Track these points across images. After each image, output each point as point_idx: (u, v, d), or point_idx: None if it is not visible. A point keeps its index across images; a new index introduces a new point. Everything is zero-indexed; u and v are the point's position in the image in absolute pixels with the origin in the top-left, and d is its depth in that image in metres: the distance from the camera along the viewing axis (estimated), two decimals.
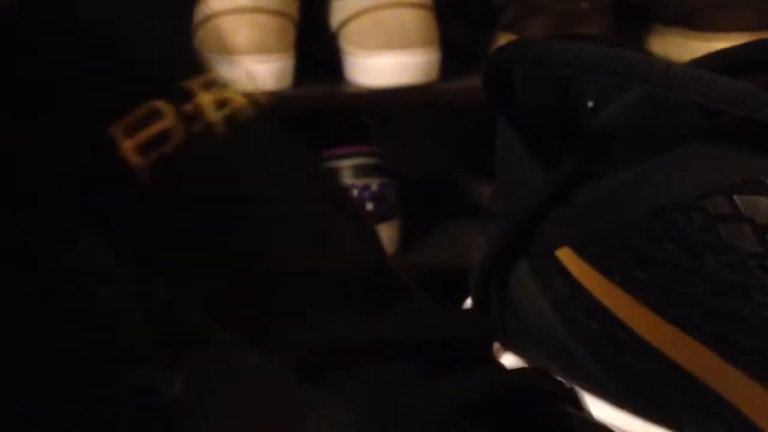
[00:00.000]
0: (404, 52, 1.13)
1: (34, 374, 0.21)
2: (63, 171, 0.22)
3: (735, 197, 0.31)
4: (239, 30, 1.12)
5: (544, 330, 0.39)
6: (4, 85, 0.21)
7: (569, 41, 0.36)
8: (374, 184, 1.21)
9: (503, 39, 1.07)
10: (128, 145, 0.22)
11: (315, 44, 1.18)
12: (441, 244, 1.23)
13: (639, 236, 0.34)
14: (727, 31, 1.01)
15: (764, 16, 1.03)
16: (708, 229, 0.32)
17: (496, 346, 0.41)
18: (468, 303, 0.42)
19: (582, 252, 0.36)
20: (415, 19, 1.13)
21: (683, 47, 1.02)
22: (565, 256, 0.37)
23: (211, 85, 0.24)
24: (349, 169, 1.21)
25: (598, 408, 0.37)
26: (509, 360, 0.41)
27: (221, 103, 0.24)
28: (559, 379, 0.26)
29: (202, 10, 1.13)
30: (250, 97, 0.25)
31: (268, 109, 0.26)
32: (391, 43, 1.13)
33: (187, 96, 0.23)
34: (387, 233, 1.22)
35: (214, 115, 0.24)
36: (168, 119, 0.22)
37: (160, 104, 0.22)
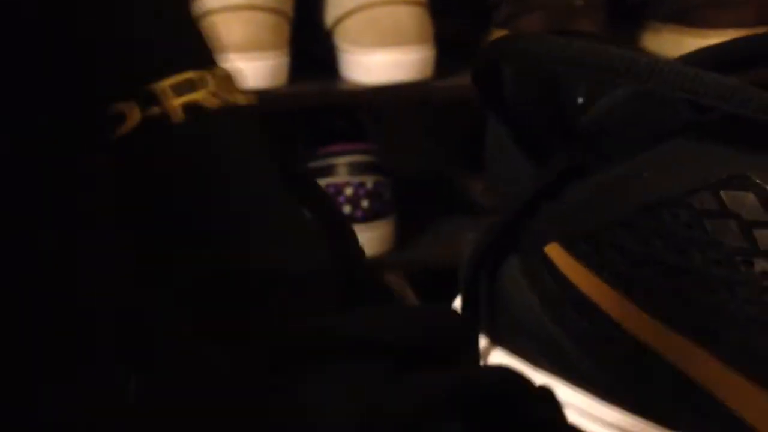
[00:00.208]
0: (399, 50, 1.13)
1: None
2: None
3: (721, 193, 0.31)
4: (234, 27, 1.12)
5: (533, 326, 0.39)
6: None
7: (559, 37, 0.36)
8: (369, 181, 1.21)
9: (497, 36, 1.07)
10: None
11: (310, 42, 1.18)
12: (436, 241, 1.23)
13: (626, 232, 0.34)
14: (723, 29, 1.01)
15: (760, 13, 1.03)
16: (694, 225, 0.32)
17: (486, 342, 0.41)
18: (458, 299, 0.42)
19: (571, 248, 0.36)
20: (409, 17, 1.13)
21: (678, 44, 1.02)
22: (554, 252, 0.37)
23: (182, 85, 0.24)
24: (344, 167, 1.21)
25: (586, 403, 0.37)
26: (499, 356, 0.41)
27: (182, 93, 0.24)
28: (529, 377, 0.25)
29: (197, 7, 1.12)
30: (224, 94, 0.25)
31: (248, 107, 0.26)
32: (386, 40, 1.13)
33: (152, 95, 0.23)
34: (382, 230, 1.22)
35: (173, 102, 0.23)
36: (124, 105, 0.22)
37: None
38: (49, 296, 0.21)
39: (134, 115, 0.22)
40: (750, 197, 0.30)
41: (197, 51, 0.25)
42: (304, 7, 1.18)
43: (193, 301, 0.22)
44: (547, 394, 0.25)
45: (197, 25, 0.26)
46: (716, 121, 0.32)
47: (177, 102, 0.24)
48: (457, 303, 0.42)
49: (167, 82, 0.24)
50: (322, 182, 1.11)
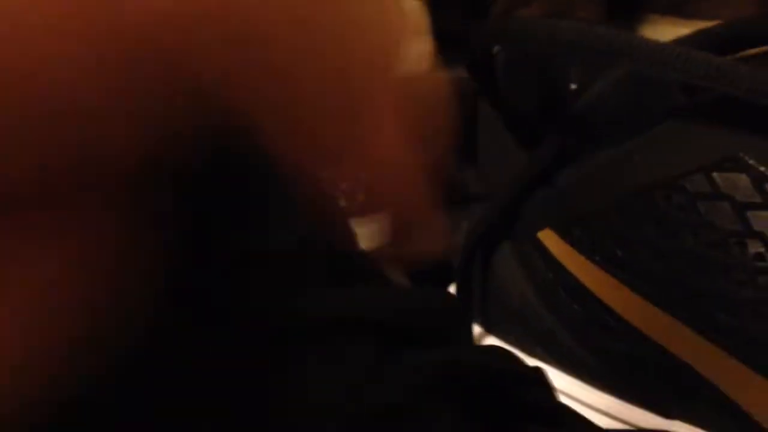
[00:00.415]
0: None
1: None
2: None
3: (714, 175, 0.31)
4: None
5: (527, 313, 0.39)
6: None
7: (550, 19, 0.36)
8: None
9: None
10: None
11: None
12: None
13: (619, 217, 0.34)
14: (720, 21, 1.00)
15: (757, 5, 1.03)
16: (687, 208, 0.31)
17: (479, 330, 0.41)
18: (452, 287, 0.42)
19: (564, 234, 0.36)
20: (405, 8, 1.13)
21: (676, 36, 1.02)
22: (548, 238, 0.37)
23: None
24: None
25: (581, 391, 0.37)
26: (492, 343, 0.41)
27: None
28: (517, 351, 0.25)
29: None
30: None
31: None
32: None
33: None
34: (379, 223, 1.22)
35: None
36: None
37: None
38: None
39: None
40: (743, 179, 0.30)
41: None
42: None
43: (180, 282, 0.22)
44: (538, 374, 0.24)
45: None
46: (708, 103, 0.32)
47: None
48: (452, 290, 0.42)
49: None
50: None
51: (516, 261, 0.39)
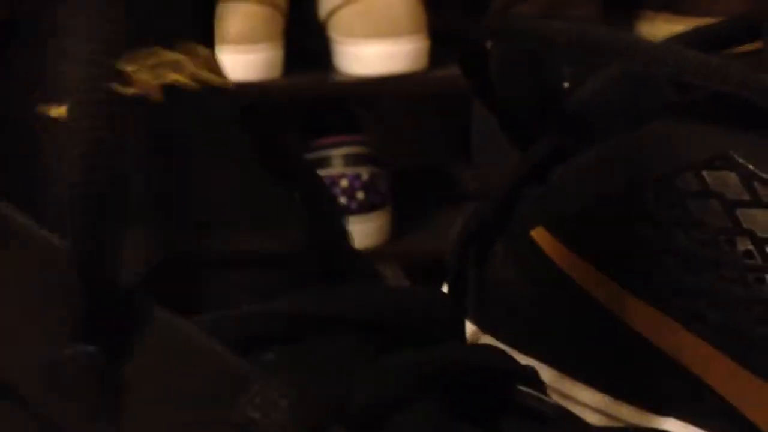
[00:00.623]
0: (393, 41, 1.13)
1: None
2: None
3: (704, 173, 0.31)
4: (228, 20, 1.12)
5: (520, 311, 0.39)
6: None
7: (543, 18, 0.36)
8: (365, 173, 1.21)
9: None
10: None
11: (304, 34, 1.18)
12: (432, 232, 1.23)
13: (610, 214, 0.34)
14: (716, 17, 1.00)
15: (748, 2, 1.03)
16: (677, 206, 0.32)
17: (473, 329, 0.41)
18: (445, 286, 0.42)
19: (556, 231, 0.36)
20: (403, 7, 1.13)
21: (671, 33, 1.02)
22: (540, 236, 0.37)
23: (160, 66, 0.24)
24: (339, 159, 1.21)
25: (574, 388, 0.37)
26: (486, 342, 0.41)
27: (160, 74, 0.24)
28: (510, 350, 0.25)
29: None
30: (202, 76, 0.24)
31: (225, 89, 0.25)
32: (380, 31, 1.13)
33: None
34: (378, 222, 1.22)
35: (152, 83, 0.23)
36: None
37: None
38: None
39: (110, 95, 0.22)
40: (732, 177, 0.30)
41: (175, 32, 0.25)
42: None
43: (166, 280, 0.22)
44: (529, 372, 0.25)
45: (175, 5, 0.26)
46: (699, 101, 0.32)
47: (156, 83, 0.24)
48: (445, 289, 0.42)
49: (146, 63, 0.24)
50: None
51: (509, 259, 0.39)
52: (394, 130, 1.32)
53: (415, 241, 1.22)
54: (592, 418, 0.36)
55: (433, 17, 1.11)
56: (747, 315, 0.30)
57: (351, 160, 1.20)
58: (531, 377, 0.26)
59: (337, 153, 1.20)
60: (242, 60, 1.11)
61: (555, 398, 0.29)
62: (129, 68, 0.23)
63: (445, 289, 0.42)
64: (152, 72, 0.24)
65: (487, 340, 0.41)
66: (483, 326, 0.41)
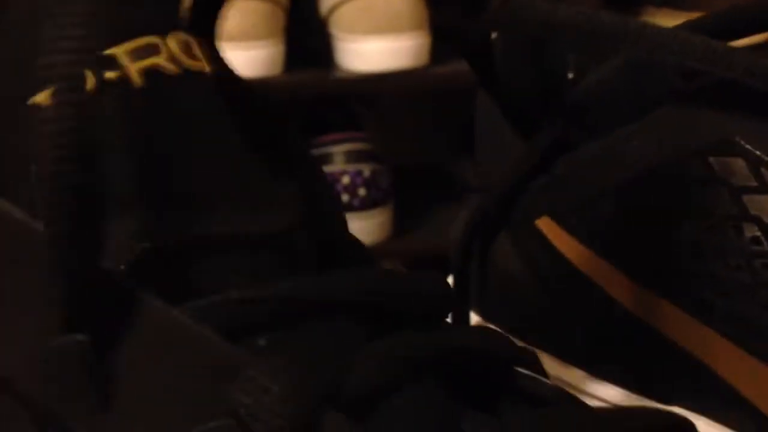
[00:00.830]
0: (394, 37, 1.13)
1: None
2: None
3: (710, 159, 0.31)
4: (229, 16, 1.12)
5: (525, 301, 0.39)
6: None
7: (547, 3, 0.36)
8: (366, 170, 1.21)
9: None
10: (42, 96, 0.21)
11: (304, 30, 1.18)
12: (434, 228, 1.23)
13: (616, 203, 0.34)
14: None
15: None
16: (683, 193, 0.31)
17: (477, 319, 0.41)
18: (450, 277, 0.42)
19: (562, 221, 0.36)
20: (404, 3, 1.13)
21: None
22: (545, 225, 0.37)
23: (140, 50, 0.24)
24: (341, 155, 1.21)
25: (579, 377, 0.37)
26: None
27: (140, 58, 0.23)
28: (515, 340, 0.25)
29: None
30: (183, 60, 0.24)
31: (207, 74, 0.25)
32: (381, 27, 1.13)
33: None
34: (380, 218, 1.22)
35: (131, 66, 0.23)
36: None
37: None
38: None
39: (89, 79, 0.22)
40: (739, 163, 0.30)
41: (155, 16, 0.25)
42: None
43: (154, 264, 0.22)
44: (529, 355, 0.24)
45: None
46: (704, 87, 0.32)
47: (135, 66, 0.24)
48: (449, 281, 0.42)
49: (124, 47, 0.24)
50: None
51: (514, 249, 0.39)
52: (396, 127, 1.32)
53: (417, 237, 1.22)
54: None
55: (433, 13, 1.11)
56: (754, 302, 0.30)
57: (352, 157, 1.19)
58: (530, 360, 0.26)
59: (339, 150, 1.20)
60: (243, 56, 1.11)
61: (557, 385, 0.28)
62: (108, 51, 0.23)
63: (450, 279, 0.42)
64: (130, 55, 0.24)
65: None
66: (487, 317, 0.41)
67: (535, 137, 0.38)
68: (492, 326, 0.41)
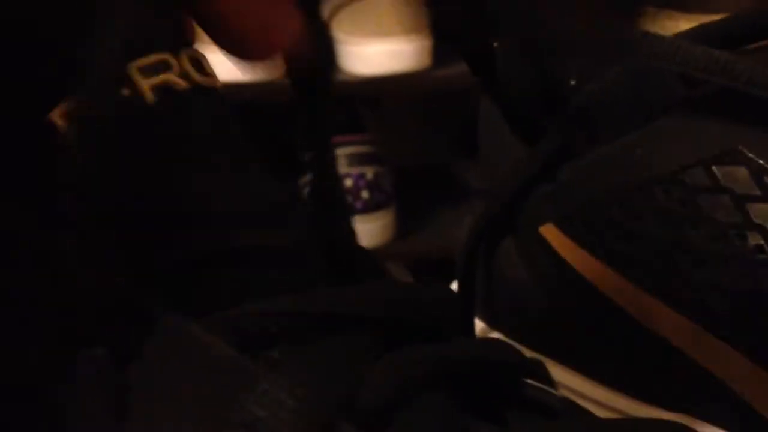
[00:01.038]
0: (396, 40, 1.13)
1: None
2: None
3: (713, 168, 0.31)
4: None
5: (530, 308, 0.39)
6: None
7: (550, 11, 0.36)
8: (369, 172, 1.21)
9: None
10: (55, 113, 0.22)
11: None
12: (437, 230, 1.23)
13: (620, 211, 0.34)
14: (720, 14, 1.00)
15: (755, 0, 1.03)
16: (687, 202, 0.32)
17: (482, 326, 0.41)
18: (455, 284, 0.42)
19: (565, 228, 0.36)
20: (406, 6, 1.12)
21: (675, 30, 1.02)
22: (550, 232, 0.37)
23: (151, 67, 0.24)
24: (343, 158, 1.21)
25: (584, 385, 0.37)
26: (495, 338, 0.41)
27: (151, 75, 0.24)
28: (521, 348, 0.25)
29: None
30: (193, 76, 0.24)
31: (217, 89, 0.25)
32: (383, 30, 1.13)
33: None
34: (383, 221, 1.22)
35: (143, 83, 0.23)
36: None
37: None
38: (33, 291, 0.21)
39: (107, 96, 0.22)
40: (742, 171, 0.30)
41: (165, 33, 0.25)
42: None
43: (168, 279, 0.22)
44: (537, 366, 0.25)
45: (166, 7, 0.26)
46: (707, 96, 0.32)
47: (147, 83, 0.24)
48: (454, 286, 0.42)
49: (137, 64, 0.24)
50: None
51: (519, 256, 0.39)
52: (398, 129, 1.32)
53: (420, 239, 1.22)
54: (603, 415, 0.36)
55: (435, 15, 1.11)
56: (756, 310, 0.30)
57: (355, 160, 1.20)
58: (538, 371, 0.26)
59: (342, 152, 1.20)
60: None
61: (564, 394, 0.29)
62: (125, 70, 0.23)
63: (454, 286, 0.42)
64: (143, 72, 0.24)
65: (497, 336, 0.41)
66: (492, 323, 0.41)
67: (538, 144, 0.38)
68: (497, 333, 0.41)
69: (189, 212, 0.23)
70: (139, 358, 0.21)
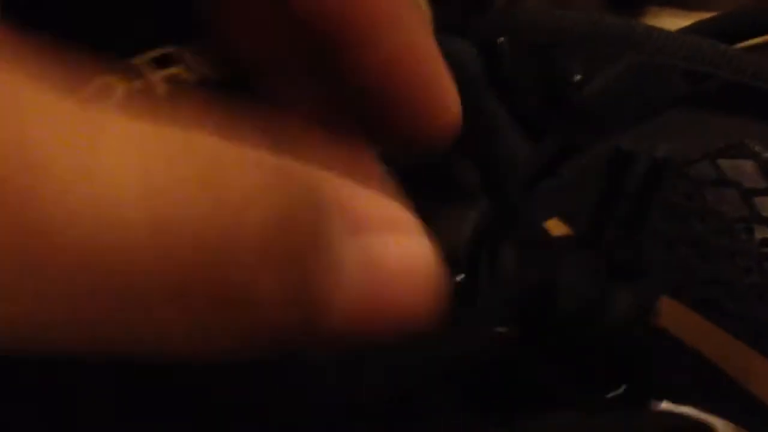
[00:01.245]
0: None
1: None
2: None
3: (719, 162, 0.31)
4: None
5: (531, 306, 0.39)
6: None
7: (555, 9, 0.36)
8: None
9: None
10: None
11: None
12: (437, 229, 1.23)
13: (625, 206, 0.34)
14: (721, 12, 1.00)
15: None
16: (694, 195, 0.32)
17: (486, 322, 0.41)
18: (459, 279, 0.42)
19: (570, 223, 0.36)
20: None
21: (677, 28, 1.02)
22: (554, 228, 0.37)
23: (161, 59, 0.24)
24: None
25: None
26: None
27: (161, 67, 0.24)
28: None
29: None
30: (201, 69, 0.25)
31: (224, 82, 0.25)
32: None
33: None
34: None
35: (153, 76, 0.24)
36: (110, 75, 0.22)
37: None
38: None
39: (120, 87, 0.22)
40: (748, 165, 0.30)
41: (174, 26, 0.25)
42: None
43: None
44: (545, 363, 0.25)
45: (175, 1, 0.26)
46: (713, 90, 0.32)
47: (158, 75, 0.24)
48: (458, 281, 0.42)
49: (144, 57, 0.24)
50: None
51: (522, 252, 0.39)
52: None
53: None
54: None
55: (437, 13, 1.11)
56: (763, 303, 0.30)
57: None
58: (547, 368, 0.26)
59: None
60: None
61: None
62: (137, 62, 0.23)
63: (458, 281, 0.42)
64: (151, 64, 0.24)
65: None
66: (495, 320, 0.41)
67: (542, 140, 0.38)
68: (501, 330, 0.41)
69: None
70: None
